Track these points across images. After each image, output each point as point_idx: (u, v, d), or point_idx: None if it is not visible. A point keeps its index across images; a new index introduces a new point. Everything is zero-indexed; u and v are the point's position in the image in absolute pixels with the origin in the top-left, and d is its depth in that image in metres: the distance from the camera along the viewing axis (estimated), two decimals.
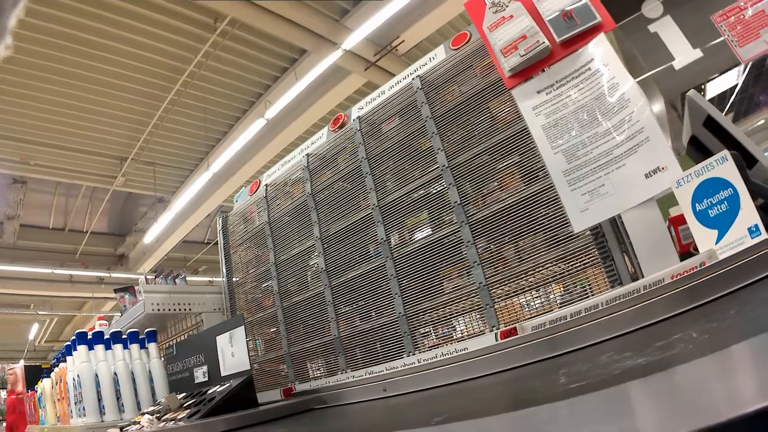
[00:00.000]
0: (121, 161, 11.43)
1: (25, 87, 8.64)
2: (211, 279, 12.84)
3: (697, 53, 4.89)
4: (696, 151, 2.03)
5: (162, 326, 3.67)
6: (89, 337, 3.00)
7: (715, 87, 9.44)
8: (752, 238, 1.31)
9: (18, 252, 13.77)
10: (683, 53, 5.21)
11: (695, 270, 1.38)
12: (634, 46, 8.28)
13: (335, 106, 9.82)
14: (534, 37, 1.80)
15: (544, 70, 1.82)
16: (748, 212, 1.34)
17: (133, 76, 8.99)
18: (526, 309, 1.93)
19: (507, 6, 1.89)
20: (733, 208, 1.37)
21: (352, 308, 2.43)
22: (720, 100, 10.80)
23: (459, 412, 1.35)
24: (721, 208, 1.39)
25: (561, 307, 1.82)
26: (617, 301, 1.45)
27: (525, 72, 1.85)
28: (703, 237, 1.41)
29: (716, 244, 1.39)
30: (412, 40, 8.50)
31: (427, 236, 2.20)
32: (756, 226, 1.32)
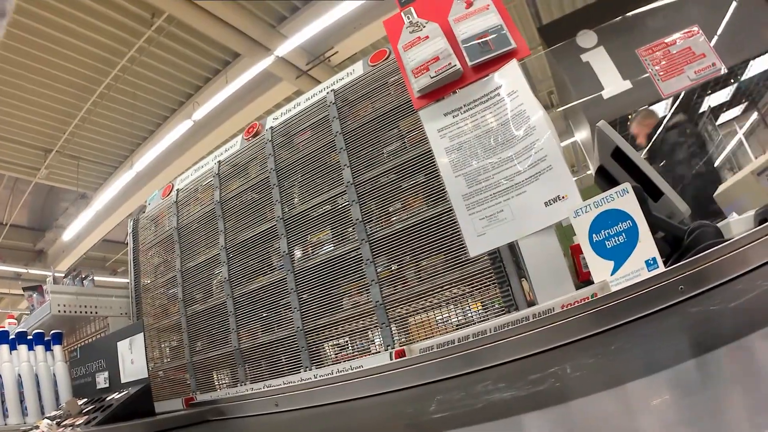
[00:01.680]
0: (45, 153, 10.78)
1: None
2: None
3: (627, 84, 4.96)
4: (603, 181, 1.98)
5: (71, 328, 3.40)
6: None
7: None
8: (649, 271, 1.24)
9: None
10: (613, 83, 5.32)
11: (586, 301, 1.29)
12: (566, 73, 8.46)
13: (263, 112, 9.54)
14: (446, 59, 1.69)
15: (453, 93, 1.72)
16: (646, 245, 1.27)
17: (64, 65, 8.44)
18: (421, 329, 1.82)
19: (424, 27, 1.78)
20: (631, 240, 1.30)
21: (253, 320, 2.25)
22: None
23: None
24: (618, 240, 1.32)
25: (457, 329, 1.71)
26: (506, 328, 1.35)
27: (434, 93, 1.73)
28: (599, 267, 1.33)
29: (612, 275, 1.31)
30: (345, 52, 8.38)
31: (329, 252, 2.06)
32: (654, 259, 1.25)
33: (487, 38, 1.67)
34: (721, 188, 2.43)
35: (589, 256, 1.35)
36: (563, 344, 1.25)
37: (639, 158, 1.74)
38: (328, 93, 2.19)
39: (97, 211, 11.69)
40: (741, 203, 2.17)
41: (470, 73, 1.69)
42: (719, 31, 4.95)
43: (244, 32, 8.06)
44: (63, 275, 3.42)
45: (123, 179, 10.83)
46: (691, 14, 5.00)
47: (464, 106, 1.69)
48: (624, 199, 1.34)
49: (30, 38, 7.74)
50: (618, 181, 1.85)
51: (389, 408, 1.44)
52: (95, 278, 3.45)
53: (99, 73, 8.80)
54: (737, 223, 1.48)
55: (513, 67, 1.64)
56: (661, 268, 1.24)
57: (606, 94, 6.43)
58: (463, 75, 1.70)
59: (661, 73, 3.05)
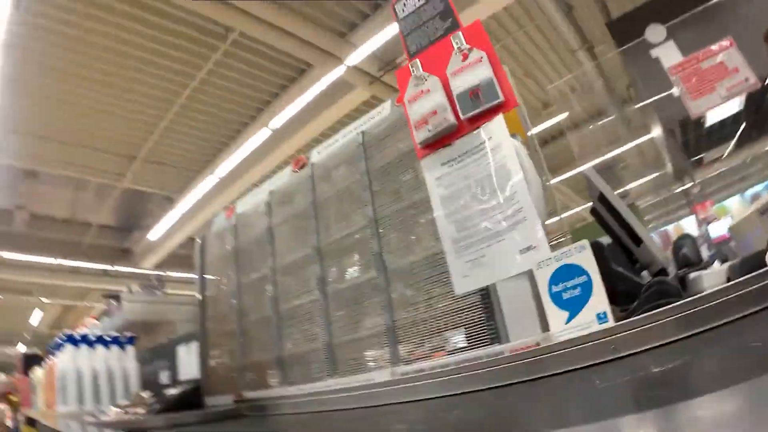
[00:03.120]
0: (130, 160, 11.43)
1: (41, 85, 8.72)
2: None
3: None
4: (598, 219, 2.05)
5: (146, 330, 3.82)
6: (77, 337, 3.18)
7: (716, 114, 9.16)
8: (599, 324, 1.33)
9: (26, 240, 13.80)
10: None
11: (529, 349, 1.41)
12: (635, 70, 8.11)
13: (339, 118, 9.75)
14: (443, 113, 1.82)
15: (450, 144, 1.85)
16: (599, 299, 1.36)
17: (147, 81, 9.02)
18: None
19: (426, 80, 1.91)
20: (585, 293, 1.39)
21: (293, 331, 2.50)
22: (721, 127, 10.45)
23: None
24: (574, 292, 1.41)
25: (448, 355, 1.85)
26: (462, 365, 1.50)
27: (433, 145, 1.87)
28: (555, 316, 1.44)
29: (566, 323, 1.41)
30: None
31: (354, 277, 2.27)
32: (604, 313, 1.34)
33: (479, 92, 1.78)
34: (732, 223, 2.39)
35: (548, 305, 1.46)
36: (496, 386, 1.39)
37: (621, 206, 1.81)
38: (357, 134, 2.36)
39: (182, 213, 12.46)
40: (750, 240, 2.14)
41: (464, 125, 1.82)
42: None
43: (313, 43, 8.26)
44: (139, 285, 3.84)
45: (205, 184, 11.53)
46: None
47: (458, 156, 1.82)
48: (581, 254, 1.43)
49: (116, 59, 8.39)
50: (607, 223, 1.92)
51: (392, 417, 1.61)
52: (177, 274, 3.88)
53: (179, 86, 9.30)
54: (709, 276, 1.51)
55: (499, 121, 1.75)
56: (611, 322, 1.32)
57: (677, 92, 6.11)
58: (458, 127, 1.82)
59: (691, 92, 2.97)
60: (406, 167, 2.15)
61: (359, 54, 8.29)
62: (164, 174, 12.11)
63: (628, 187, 14.30)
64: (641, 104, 8.72)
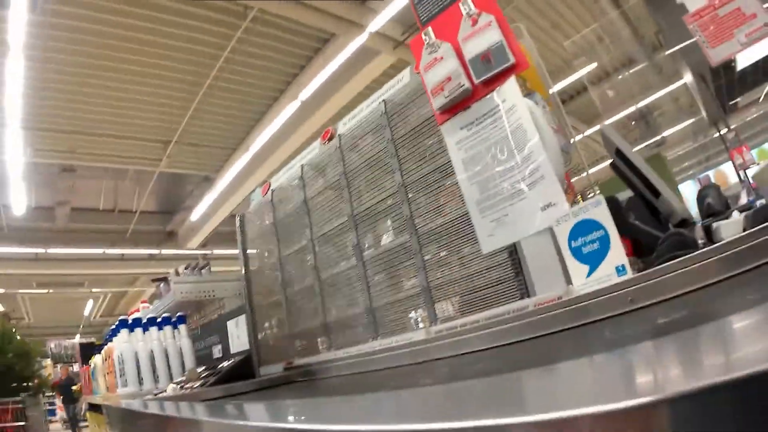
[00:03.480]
0: (164, 144, 11.64)
1: (71, 82, 8.98)
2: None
3: None
4: (618, 173, 2.05)
5: (197, 308, 4.00)
6: (130, 322, 3.37)
7: (746, 57, 8.77)
8: (618, 276, 1.38)
9: (71, 235, 14.30)
10: None
11: (552, 302, 1.47)
12: (661, 16, 7.83)
13: (367, 84, 9.72)
14: (457, 79, 1.85)
15: (467, 108, 1.88)
16: (617, 252, 1.40)
17: (172, 65, 9.15)
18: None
19: (439, 47, 1.94)
20: (603, 247, 1.43)
21: (335, 298, 2.61)
22: (753, 70, 10.01)
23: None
24: (593, 247, 1.46)
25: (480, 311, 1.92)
26: (491, 319, 1.56)
27: (451, 110, 1.91)
28: (577, 271, 1.49)
29: (587, 277, 1.46)
30: None
31: (389, 241, 2.34)
32: (623, 266, 1.39)
33: (489, 56, 1.79)
34: (756, 169, 2.33)
35: (569, 260, 1.51)
36: (527, 339, 1.45)
37: (639, 160, 1.82)
38: (380, 103, 2.41)
39: (221, 191, 12.62)
40: None
41: (480, 89, 1.84)
42: None
43: (332, 13, 8.20)
44: (184, 268, 3.98)
45: (242, 161, 11.67)
46: None
47: (476, 120, 1.85)
48: (597, 209, 1.47)
49: (140, 48, 8.55)
50: (627, 177, 1.93)
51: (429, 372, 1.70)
52: (222, 251, 4.03)
53: (204, 67, 9.40)
54: (727, 226, 1.51)
55: (512, 83, 1.77)
56: (629, 274, 1.36)
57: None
58: (474, 91, 1.85)
59: (709, 40, 2.85)
60: (429, 133, 2.18)
61: (381, 19, 8.22)
62: (199, 155, 12.31)
63: (665, 134, 13.91)
64: (670, 51, 8.40)
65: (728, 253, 1.13)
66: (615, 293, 1.29)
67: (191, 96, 10.10)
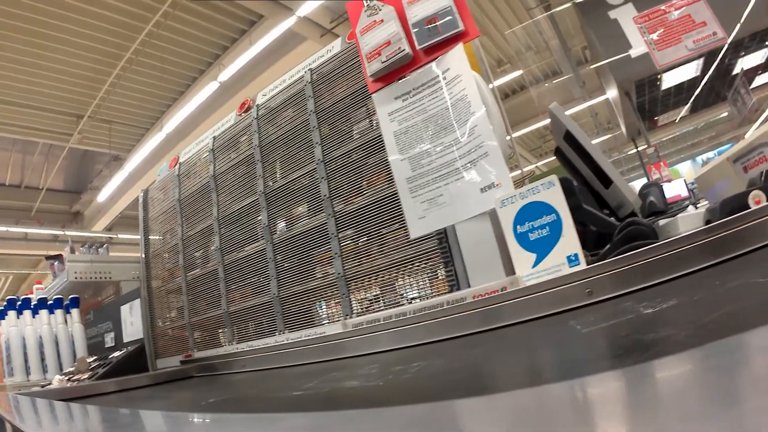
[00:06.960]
0: (77, 119, 10.79)
1: None
2: None
3: None
4: (562, 160, 1.86)
5: (95, 292, 3.54)
6: (19, 303, 2.87)
7: (672, 77, 9.10)
8: (570, 267, 1.16)
9: None
10: (641, 43, 4.96)
11: (495, 294, 1.22)
12: (593, 30, 7.94)
13: (289, 70, 9.32)
14: (397, 43, 1.60)
15: (403, 77, 1.63)
16: (569, 240, 1.18)
17: (91, 34, 8.41)
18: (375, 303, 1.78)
19: (380, 10, 1.68)
20: (554, 234, 1.20)
21: (238, 285, 2.27)
22: (677, 91, 10.44)
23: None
24: (542, 233, 1.23)
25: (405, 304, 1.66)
26: (422, 312, 1.30)
27: (386, 78, 1.65)
28: (521, 259, 1.25)
29: (533, 267, 1.22)
30: None
31: (303, 224, 2.03)
32: (576, 255, 1.16)
33: (437, 21, 1.55)
34: (699, 172, 2.23)
35: (513, 247, 1.27)
36: (457, 336, 1.21)
37: (589, 144, 1.62)
38: (306, 72, 2.11)
39: (131, 172, 11.76)
40: (719, 190, 1.99)
41: (421, 57, 1.60)
42: None
43: None
44: (81, 245, 3.52)
45: (154, 141, 10.91)
46: None
47: (413, 90, 1.60)
48: (550, 191, 1.23)
49: (58, 11, 7.73)
50: (572, 163, 1.73)
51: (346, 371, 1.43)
52: (128, 236, 3.59)
53: (126, 39, 8.72)
54: (685, 220, 1.34)
55: (458, 51, 1.53)
56: (583, 265, 1.14)
57: (634, 53, 5.97)
58: (414, 58, 1.61)
59: (657, 43, 2.79)
60: (356, 107, 1.91)
61: (310, 4, 7.92)
62: (112, 132, 11.45)
63: None
64: (597, 65, 8.61)
65: (698, 243, 0.96)
66: (572, 283, 1.06)
67: (109, 69, 9.34)
